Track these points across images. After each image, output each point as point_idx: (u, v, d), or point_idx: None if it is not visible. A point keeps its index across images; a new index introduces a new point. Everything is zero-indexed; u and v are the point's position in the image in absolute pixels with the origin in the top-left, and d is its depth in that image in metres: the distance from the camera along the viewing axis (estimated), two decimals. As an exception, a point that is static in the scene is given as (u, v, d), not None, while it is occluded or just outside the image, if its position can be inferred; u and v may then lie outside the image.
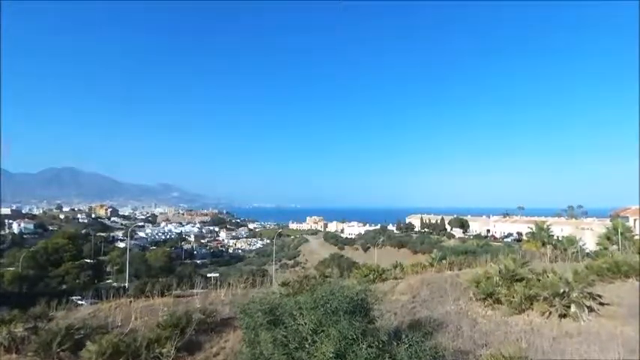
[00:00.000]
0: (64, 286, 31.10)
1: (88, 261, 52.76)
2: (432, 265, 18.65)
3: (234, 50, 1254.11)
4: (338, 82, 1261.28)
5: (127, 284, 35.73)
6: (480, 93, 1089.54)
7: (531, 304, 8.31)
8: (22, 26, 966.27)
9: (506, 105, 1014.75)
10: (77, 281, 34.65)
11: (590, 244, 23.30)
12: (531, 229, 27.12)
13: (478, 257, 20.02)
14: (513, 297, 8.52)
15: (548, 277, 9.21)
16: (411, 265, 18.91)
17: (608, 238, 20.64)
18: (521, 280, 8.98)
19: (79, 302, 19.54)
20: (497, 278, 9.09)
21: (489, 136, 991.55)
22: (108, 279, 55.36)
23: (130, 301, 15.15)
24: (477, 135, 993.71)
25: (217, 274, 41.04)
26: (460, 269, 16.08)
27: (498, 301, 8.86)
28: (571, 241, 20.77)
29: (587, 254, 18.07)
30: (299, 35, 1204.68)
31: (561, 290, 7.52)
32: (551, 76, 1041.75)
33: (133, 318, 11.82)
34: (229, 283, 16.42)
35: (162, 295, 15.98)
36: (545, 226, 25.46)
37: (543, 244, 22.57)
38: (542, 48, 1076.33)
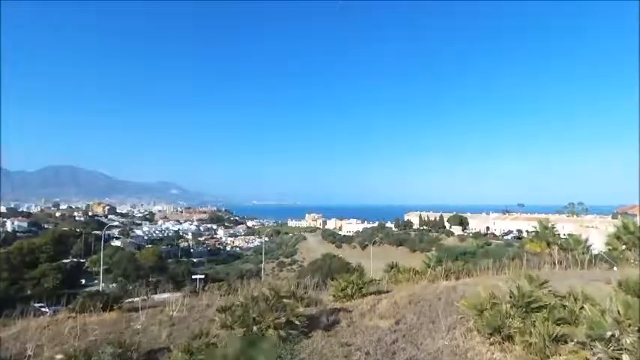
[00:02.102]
0: (29, 292, 28.53)
1: (66, 261, 50.12)
2: (428, 266, 16.36)
3: (234, 49, 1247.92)
4: (337, 81, 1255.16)
5: (100, 288, 33.21)
6: (479, 90, 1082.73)
7: (558, 345, 5.77)
8: (21, 24, 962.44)
9: (505, 102, 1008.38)
10: (46, 285, 32.02)
11: (597, 244, 21.13)
12: (535, 227, 25.20)
13: (478, 261, 17.82)
14: (531, 334, 5.97)
15: (577, 302, 6.64)
16: (402, 272, 16.49)
17: (618, 238, 18.43)
18: (540, 308, 6.40)
19: (43, 310, 17.30)
20: (508, 306, 6.54)
21: (488, 134, 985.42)
22: (95, 280, 53.08)
23: (69, 317, 12.81)
24: (476, 132, 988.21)
25: (202, 276, 38.42)
26: (458, 278, 13.69)
27: (510, 339, 6.29)
28: (578, 240, 18.52)
29: (601, 258, 15.65)
30: (298, 35, 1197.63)
31: (608, 333, 4.97)
32: (551, 75, 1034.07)
33: (34, 348, 9.18)
34: (185, 294, 13.83)
35: (110, 308, 13.53)
36: (549, 225, 23.57)
37: (548, 245, 20.67)
38: (543, 45, 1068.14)
